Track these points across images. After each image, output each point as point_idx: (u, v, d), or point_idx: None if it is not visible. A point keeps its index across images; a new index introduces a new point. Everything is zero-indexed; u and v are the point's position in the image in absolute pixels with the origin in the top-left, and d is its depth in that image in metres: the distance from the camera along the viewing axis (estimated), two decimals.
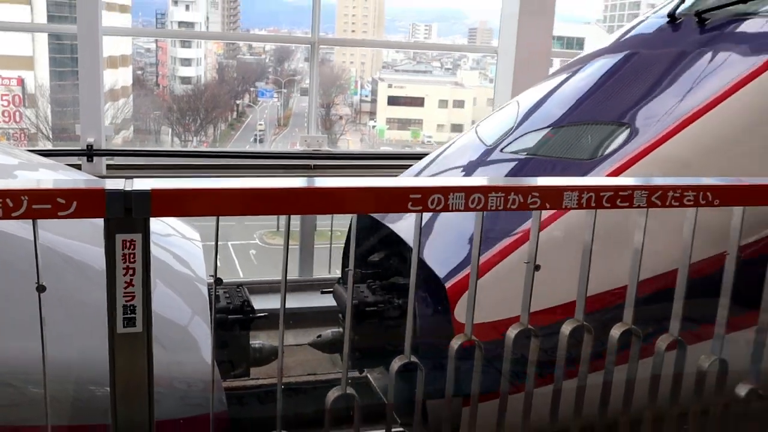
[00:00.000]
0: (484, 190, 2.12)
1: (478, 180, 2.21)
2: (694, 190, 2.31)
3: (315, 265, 8.18)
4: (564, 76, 5.17)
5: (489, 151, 4.45)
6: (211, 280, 2.75)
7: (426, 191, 2.08)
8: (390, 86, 21.38)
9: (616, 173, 3.59)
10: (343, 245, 4.95)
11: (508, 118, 4.79)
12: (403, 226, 3.62)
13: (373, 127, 21.39)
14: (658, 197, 2.28)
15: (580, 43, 16.81)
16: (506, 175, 4.14)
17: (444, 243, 3.38)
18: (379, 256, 4.29)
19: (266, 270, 17.34)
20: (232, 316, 4.02)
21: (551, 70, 8.71)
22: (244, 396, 4.48)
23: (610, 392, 2.65)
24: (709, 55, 4.23)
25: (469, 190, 2.12)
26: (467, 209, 2.12)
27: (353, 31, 21.00)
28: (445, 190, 2.10)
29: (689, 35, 4.47)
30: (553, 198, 2.21)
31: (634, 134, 3.86)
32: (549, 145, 4.28)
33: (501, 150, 4.35)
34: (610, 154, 3.80)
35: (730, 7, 4.36)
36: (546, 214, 3.05)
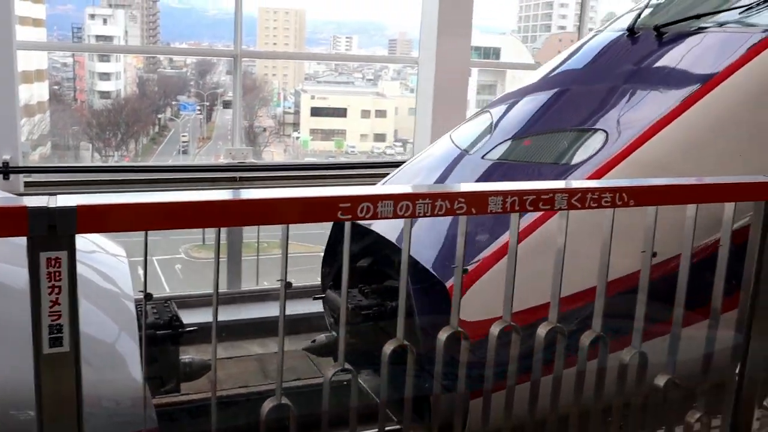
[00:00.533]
0: (412, 197, 2.14)
1: (404, 188, 2.19)
2: (611, 192, 2.38)
3: (243, 277, 8.10)
4: (536, 81, 5.47)
5: (471, 159, 4.66)
6: (139, 296, 2.69)
7: (355, 200, 2.08)
8: (313, 98, 21.35)
9: (596, 176, 3.87)
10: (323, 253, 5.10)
11: (483, 128, 5.00)
12: (392, 229, 3.75)
13: (297, 138, 21.32)
14: (577, 200, 2.34)
15: (496, 52, 17.09)
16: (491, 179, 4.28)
17: (436, 245, 3.48)
18: (367, 261, 4.34)
19: (193, 283, 17.04)
20: (161, 331, 3.94)
21: (471, 80, 8.88)
22: (174, 412, 4.39)
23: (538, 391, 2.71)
24: (669, 66, 4.62)
25: (397, 198, 2.13)
26: (396, 216, 2.14)
27: (275, 44, 20.87)
28: (374, 198, 2.10)
29: (648, 47, 4.82)
30: (479, 203, 2.24)
31: (608, 138, 4.15)
32: (525, 150, 4.57)
33: (482, 157, 4.59)
34: (587, 158, 4.08)
35: (684, 22, 4.75)
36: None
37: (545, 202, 2.30)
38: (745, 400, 2.85)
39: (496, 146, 4.62)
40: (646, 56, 4.80)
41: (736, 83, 4.11)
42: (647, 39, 4.89)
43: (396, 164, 8.84)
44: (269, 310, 7.91)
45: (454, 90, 9.16)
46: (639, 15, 5.09)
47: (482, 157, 4.59)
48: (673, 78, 4.51)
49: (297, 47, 21.20)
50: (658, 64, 4.71)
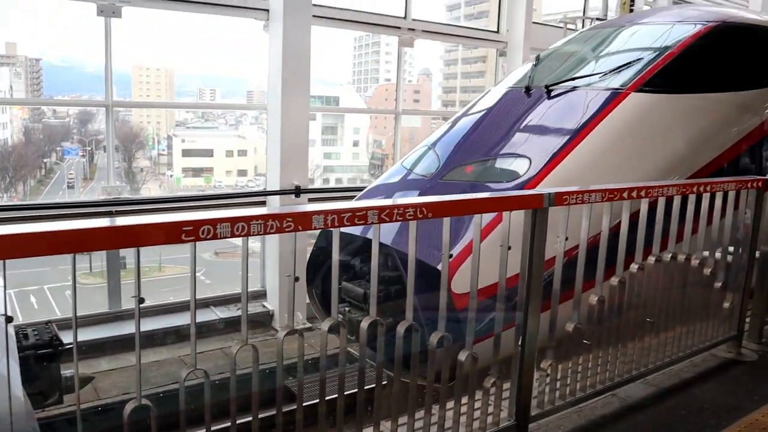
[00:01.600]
0: (246, 219, 2.09)
1: (243, 211, 2.13)
2: (413, 207, 2.43)
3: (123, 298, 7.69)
4: (464, 124, 6.18)
5: (431, 181, 5.34)
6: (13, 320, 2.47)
7: (197, 223, 2.00)
8: (183, 141, 21.03)
9: (530, 187, 4.69)
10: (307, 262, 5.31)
11: (431, 159, 5.69)
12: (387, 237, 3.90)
13: (171, 176, 20.86)
14: (386, 214, 2.37)
15: (336, 100, 17.36)
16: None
17: (425, 243, 3.51)
18: (357, 260, 4.42)
19: (80, 306, 15.96)
20: (42, 350, 3.68)
21: (314, 124, 8.97)
22: (55, 422, 4.08)
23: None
24: (559, 112, 5.60)
25: (233, 220, 2.07)
26: (233, 236, 2.08)
27: (148, 96, 20.27)
28: (213, 221, 2.03)
29: (542, 99, 5.76)
30: (304, 221, 2.22)
31: (531, 162, 5.01)
32: (468, 173, 5.29)
33: (440, 179, 5.28)
34: (522, 175, 4.94)
35: (568, 82, 5.81)
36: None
37: (360, 218, 2.32)
38: (526, 365, 2.98)
39: (449, 171, 5.36)
40: (542, 106, 5.71)
41: (605, 125, 5.21)
42: (540, 94, 5.83)
43: (248, 194, 8.75)
44: (151, 324, 7.61)
45: (297, 132, 9.19)
46: (530, 78, 6.12)
47: (440, 180, 5.28)
48: (564, 120, 5.46)
49: (168, 98, 20.75)
50: (551, 111, 5.65)
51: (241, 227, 2.08)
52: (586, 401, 3.42)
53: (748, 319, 4.55)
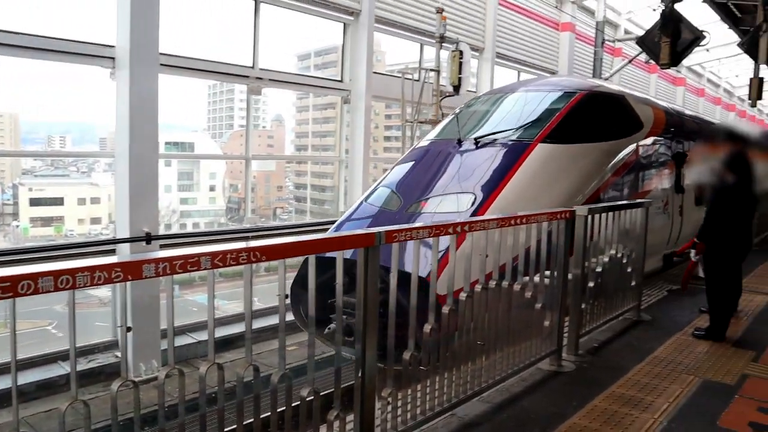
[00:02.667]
0: (71, 272, 1.97)
1: (66, 264, 2.01)
2: (246, 252, 2.41)
3: None
4: (406, 166, 7.46)
5: (392, 213, 6.51)
6: None
7: (15, 279, 1.86)
8: (31, 189, 19.41)
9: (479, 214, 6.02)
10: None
11: (394, 197, 6.85)
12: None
13: (17, 226, 19.15)
14: (219, 260, 2.33)
15: (191, 146, 16.91)
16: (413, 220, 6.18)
17: (407, 259, 3.99)
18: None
19: None
20: None
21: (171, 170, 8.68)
22: None
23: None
24: (487, 159, 6.89)
25: (57, 273, 1.95)
26: (57, 290, 1.95)
27: None
28: (34, 276, 1.90)
29: (473, 149, 7.11)
30: (134, 270, 2.13)
31: (477, 198, 6.30)
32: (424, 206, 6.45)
33: (405, 211, 6.44)
34: (470, 208, 6.19)
35: (490, 136, 7.19)
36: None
37: (192, 264, 2.26)
38: (367, 395, 3.02)
39: (411, 205, 6.50)
40: (474, 154, 7.05)
41: (524, 166, 6.63)
42: (470, 144, 7.19)
43: (97, 243, 8.30)
44: None
45: (146, 178, 8.84)
46: (458, 132, 7.49)
47: (405, 212, 6.43)
48: (493, 165, 6.79)
49: (13, 145, 19.15)
50: (481, 158, 6.95)
51: (65, 280, 1.96)
52: (427, 423, 3.51)
53: (566, 335, 4.92)
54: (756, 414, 3.99)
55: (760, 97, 11.99)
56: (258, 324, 9.12)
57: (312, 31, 13.71)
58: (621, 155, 7.60)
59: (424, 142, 7.96)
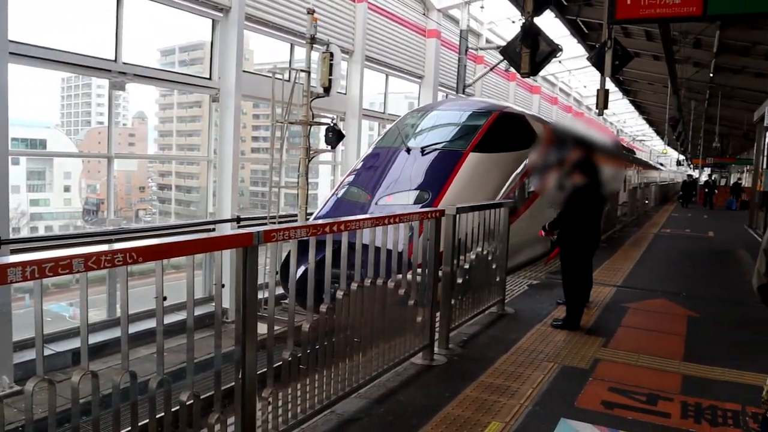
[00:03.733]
0: None
1: None
2: (122, 253, 2.33)
3: None
4: (366, 168, 9.76)
5: (365, 204, 8.73)
6: None
7: None
8: None
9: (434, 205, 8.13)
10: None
11: (359, 192, 9.14)
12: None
13: None
14: (93, 261, 2.24)
15: (43, 143, 15.66)
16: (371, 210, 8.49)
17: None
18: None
19: None
20: None
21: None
22: None
23: None
24: (432, 164, 9.22)
25: None
26: None
27: None
28: None
29: (420, 155, 9.39)
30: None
31: (430, 193, 8.61)
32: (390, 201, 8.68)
33: (376, 203, 8.66)
34: (427, 201, 8.46)
35: (434, 145, 9.58)
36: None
37: (64, 267, 2.15)
38: (248, 396, 3.01)
39: (379, 199, 8.72)
40: (422, 159, 9.29)
41: (462, 169, 8.98)
42: (417, 152, 9.44)
43: None
44: None
45: None
46: (403, 141, 9.90)
47: (376, 204, 8.63)
48: (439, 168, 9.05)
49: None
50: (429, 163, 9.21)
51: None
52: (307, 421, 3.54)
53: (437, 329, 5.15)
54: (607, 393, 4.41)
55: (606, 107, 13.13)
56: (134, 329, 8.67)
57: (178, 26, 13.25)
58: (525, 161, 9.73)
59: (374, 149, 10.22)
